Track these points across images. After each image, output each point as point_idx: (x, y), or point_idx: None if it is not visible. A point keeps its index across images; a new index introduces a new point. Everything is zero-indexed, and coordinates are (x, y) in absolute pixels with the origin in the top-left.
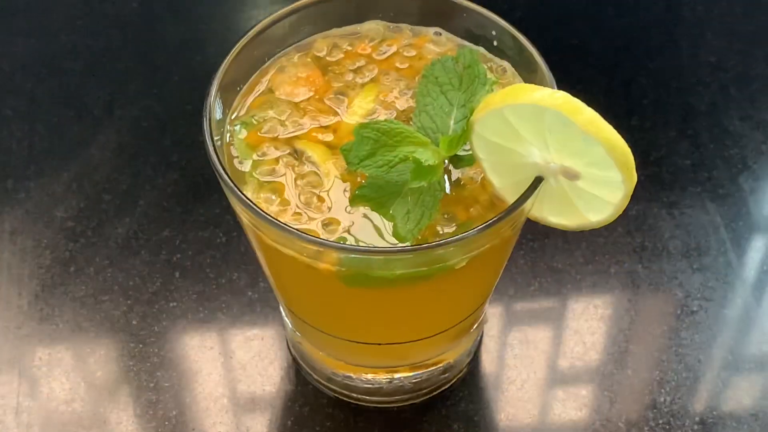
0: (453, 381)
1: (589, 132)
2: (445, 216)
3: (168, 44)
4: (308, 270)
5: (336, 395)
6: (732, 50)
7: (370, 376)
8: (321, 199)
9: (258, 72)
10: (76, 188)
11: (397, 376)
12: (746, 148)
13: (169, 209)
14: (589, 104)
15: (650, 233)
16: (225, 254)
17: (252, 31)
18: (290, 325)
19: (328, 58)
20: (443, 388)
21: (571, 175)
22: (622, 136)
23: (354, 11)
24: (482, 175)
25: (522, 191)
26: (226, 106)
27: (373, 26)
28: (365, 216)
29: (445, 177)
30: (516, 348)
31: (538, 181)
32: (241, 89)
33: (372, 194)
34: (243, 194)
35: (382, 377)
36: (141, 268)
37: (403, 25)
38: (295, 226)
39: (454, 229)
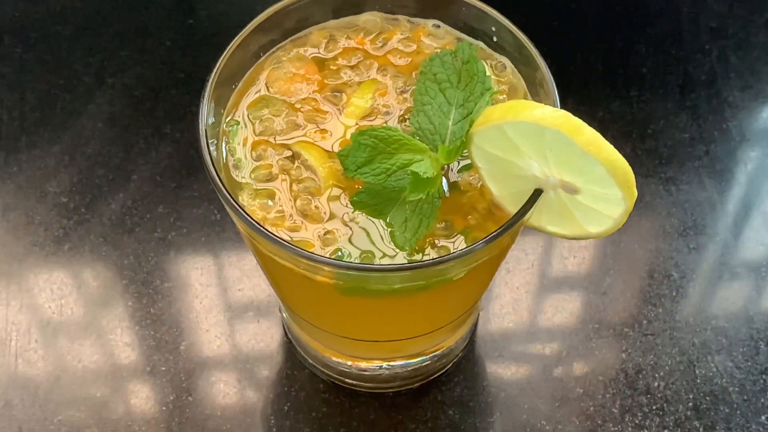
0: (448, 366)
1: (589, 152)
2: (443, 225)
3: (159, 7)
4: (305, 278)
5: (332, 380)
6: (732, 15)
7: (365, 365)
8: (318, 207)
9: (254, 68)
10: (69, 161)
11: (393, 364)
12: (745, 120)
13: (163, 184)
14: (587, 73)
15: (647, 211)
16: (219, 232)
17: (247, 27)
18: (286, 314)
19: (324, 53)
20: (439, 373)
21: (571, 190)
22: (622, 108)
23: (352, 2)
24: (481, 181)
25: (520, 201)
26: (221, 104)
27: (370, 17)
28: (363, 225)
29: (444, 180)
30: (511, 332)
31: (537, 193)
32: (236, 87)
33: (369, 200)
34: (241, 208)
35: (377, 365)
36: (135, 247)
37: (401, 17)
38: (292, 239)
39: (452, 238)
